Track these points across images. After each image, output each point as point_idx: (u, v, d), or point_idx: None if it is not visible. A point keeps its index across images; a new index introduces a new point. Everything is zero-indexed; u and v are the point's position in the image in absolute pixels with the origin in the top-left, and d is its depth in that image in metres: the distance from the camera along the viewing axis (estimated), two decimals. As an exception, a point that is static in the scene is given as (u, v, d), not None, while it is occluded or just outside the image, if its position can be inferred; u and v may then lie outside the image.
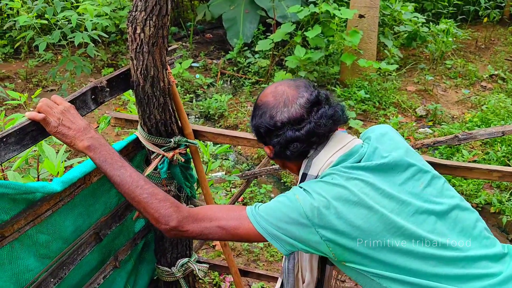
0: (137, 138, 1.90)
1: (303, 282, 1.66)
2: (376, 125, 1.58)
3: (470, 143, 4.56)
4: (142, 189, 1.41)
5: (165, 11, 1.61)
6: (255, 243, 3.34)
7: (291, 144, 1.43)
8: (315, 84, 1.51)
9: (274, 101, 1.46)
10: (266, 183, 4.15)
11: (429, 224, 1.33)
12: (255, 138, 1.57)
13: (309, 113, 1.42)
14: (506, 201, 3.66)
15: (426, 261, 1.29)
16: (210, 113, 5.07)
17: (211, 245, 3.35)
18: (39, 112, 1.39)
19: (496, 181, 1.72)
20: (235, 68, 6.12)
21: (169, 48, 1.95)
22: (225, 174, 4.14)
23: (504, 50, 6.99)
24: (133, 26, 1.61)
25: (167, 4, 1.60)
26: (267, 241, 1.39)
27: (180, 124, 1.93)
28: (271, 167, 2.72)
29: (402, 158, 1.41)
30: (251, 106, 5.35)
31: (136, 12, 1.60)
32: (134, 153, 1.93)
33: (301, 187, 1.39)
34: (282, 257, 3.22)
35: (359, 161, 1.40)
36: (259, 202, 3.69)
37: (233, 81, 5.89)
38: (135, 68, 1.69)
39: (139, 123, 1.86)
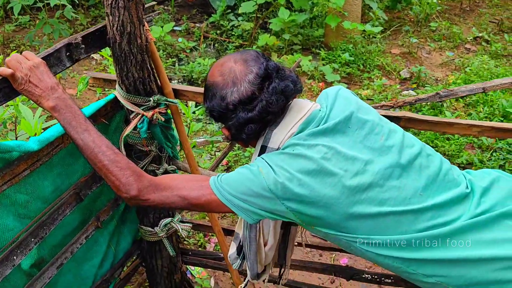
0: (116, 98, 1.87)
1: (265, 246, 1.65)
2: (329, 88, 1.55)
3: (453, 104, 4.59)
4: (104, 155, 1.37)
5: (140, -37, 1.55)
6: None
7: (245, 127, 1.39)
8: (264, 54, 1.46)
9: (222, 81, 1.39)
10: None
11: (394, 179, 1.33)
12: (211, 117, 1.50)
13: (261, 90, 1.37)
14: (487, 160, 3.72)
15: (395, 219, 1.30)
16: (193, 77, 5.01)
17: (195, 207, 3.36)
18: (8, 68, 1.34)
19: (476, 136, 1.73)
20: (218, 32, 6.02)
21: (147, 5, 1.90)
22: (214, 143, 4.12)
23: (488, 12, 6.96)
24: (108, -21, 1.56)
25: (142, -44, 1.55)
26: (232, 211, 1.38)
27: (159, 83, 1.90)
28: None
29: (357, 115, 1.41)
30: (234, 70, 5.29)
31: (110, -35, 1.54)
32: (113, 113, 1.90)
33: (263, 159, 1.37)
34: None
35: (319, 126, 1.38)
36: (242, 164, 3.71)
37: (216, 45, 5.81)
38: (111, 24, 1.64)
39: (117, 82, 1.82)
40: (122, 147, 1.85)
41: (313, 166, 1.30)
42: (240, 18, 6.04)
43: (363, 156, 1.34)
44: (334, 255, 2.99)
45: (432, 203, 1.32)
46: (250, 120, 1.37)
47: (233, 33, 5.89)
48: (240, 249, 1.72)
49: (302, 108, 1.43)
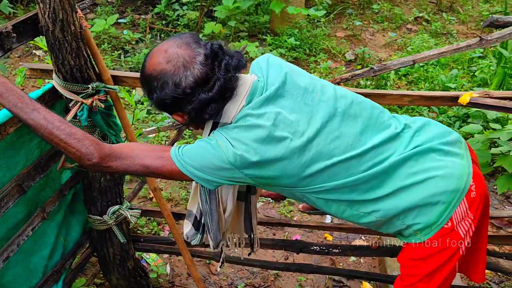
0: (54, 87, 1.85)
1: (224, 213, 1.72)
2: (258, 57, 1.61)
3: (396, 83, 4.75)
4: (59, 130, 1.37)
5: (67, -51, 1.55)
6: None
7: (207, 107, 1.40)
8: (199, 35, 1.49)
9: (172, 67, 1.38)
10: (201, 134, 4.16)
11: (335, 129, 1.47)
12: (158, 108, 1.51)
13: (213, 70, 1.39)
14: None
15: (343, 166, 1.45)
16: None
17: (148, 197, 3.37)
18: None
19: (407, 105, 1.84)
20: (164, 22, 5.97)
21: (79, -8, 1.89)
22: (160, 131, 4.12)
23: (427, -7, 7.20)
24: (35, -34, 1.55)
25: None
26: (192, 180, 1.45)
27: (97, 70, 1.89)
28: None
29: (291, 78, 1.50)
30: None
31: (36, -49, 1.53)
32: (51, 102, 1.89)
33: (221, 133, 1.42)
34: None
35: (262, 94, 1.46)
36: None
37: (162, 35, 5.76)
38: (43, 12, 1.63)
39: (53, 71, 1.81)
40: (64, 136, 1.84)
41: (265, 133, 1.39)
42: (185, 8, 6.01)
43: (305, 114, 1.46)
44: (287, 233, 3.07)
45: (370, 145, 1.48)
46: (211, 100, 1.39)
47: (179, 22, 5.86)
48: (197, 225, 1.77)
49: (245, 81, 1.48)
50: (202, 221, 1.75)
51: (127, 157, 1.44)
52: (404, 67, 2.19)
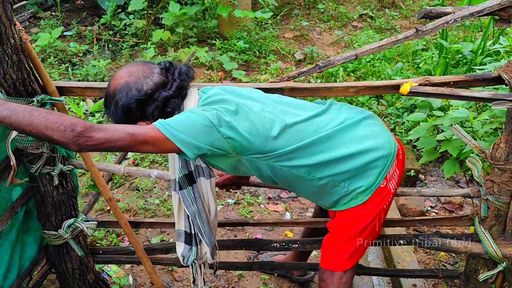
0: (-3, 102, 1.81)
1: (210, 214, 1.88)
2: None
3: (345, 79, 4.86)
4: (37, 117, 1.42)
5: (0, -39, 1.52)
6: (151, 200, 3.37)
7: (169, 102, 1.66)
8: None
9: (134, 78, 1.65)
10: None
11: (275, 106, 1.78)
12: (123, 121, 1.67)
13: (168, 77, 1.69)
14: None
15: (295, 128, 1.73)
16: (89, 80, 4.88)
17: (106, 209, 3.32)
18: None
19: (353, 96, 1.91)
20: (111, 32, 5.89)
21: (17, 5, 1.86)
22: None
23: (370, -9, 7.41)
24: (-33, -20, 1.52)
25: (1, -47, 1.52)
26: (176, 147, 1.54)
27: (42, 83, 1.87)
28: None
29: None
30: (132, 69, 5.23)
31: (-32, -36, 1.50)
32: (-4, 118, 1.84)
33: (195, 109, 1.64)
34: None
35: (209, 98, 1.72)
36: (150, 162, 3.70)
37: (110, 46, 5.68)
38: (-22, 26, 1.60)
39: (-5, 86, 1.77)
40: (10, 153, 1.80)
41: (232, 107, 1.65)
42: (131, 17, 5.96)
43: (258, 102, 1.77)
44: (248, 233, 3.09)
45: (306, 116, 1.78)
46: (171, 96, 1.66)
47: (126, 32, 5.80)
48: (189, 239, 1.91)
49: (193, 92, 1.77)
50: (193, 231, 1.90)
51: (110, 128, 1.49)
52: (347, 61, 2.25)
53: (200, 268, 2.05)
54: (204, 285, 2.12)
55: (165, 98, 1.64)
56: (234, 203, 3.36)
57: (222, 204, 3.35)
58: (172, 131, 1.53)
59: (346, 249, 1.87)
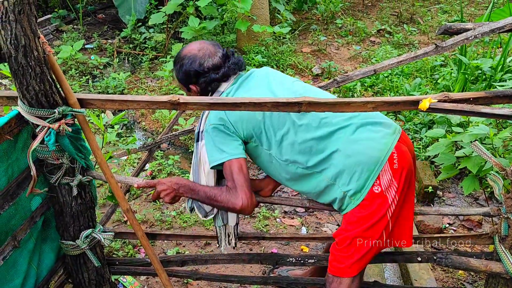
0: (20, 113, 1.85)
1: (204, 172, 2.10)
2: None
3: (363, 94, 4.85)
4: (207, 198, 1.96)
5: (26, -24, 1.56)
6: (167, 212, 3.38)
7: (213, 82, 2.04)
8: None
9: (201, 54, 2.04)
10: (174, 154, 4.17)
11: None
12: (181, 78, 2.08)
13: (225, 63, 2.05)
14: (397, 142, 3.96)
15: (299, 129, 1.94)
16: (109, 92, 4.96)
17: (123, 220, 3.34)
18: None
19: (371, 111, 1.89)
20: (131, 46, 5.99)
21: (42, 18, 1.91)
22: (131, 153, 4.10)
23: (389, 6, 7.41)
24: (-5, -6, 1.55)
25: (28, -32, 1.56)
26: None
27: (63, 94, 1.90)
28: (171, 134, 2.75)
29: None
30: (151, 81, 5.30)
31: (-4, -21, 1.54)
32: (18, 129, 1.88)
33: (207, 130, 1.97)
34: (196, 221, 3.29)
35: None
36: (167, 174, 3.72)
37: (130, 59, 5.77)
38: (4, 39, 1.63)
39: (18, 97, 1.81)
40: (31, 163, 1.83)
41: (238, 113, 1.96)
42: (151, 30, 6.04)
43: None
44: (263, 247, 3.08)
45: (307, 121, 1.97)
46: (216, 79, 2.04)
47: (146, 45, 5.88)
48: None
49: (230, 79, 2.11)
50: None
51: (237, 190, 1.92)
52: (366, 76, 2.25)
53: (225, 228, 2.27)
54: (235, 244, 2.31)
55: (212, 79, 2.03)
56: (250, 216, 3.36)
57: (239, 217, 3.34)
58: (221, 157, 1.91)
59: (350, 253, 1.96)
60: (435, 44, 1.94)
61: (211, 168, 1.98)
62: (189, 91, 2.11)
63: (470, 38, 1.86)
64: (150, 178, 3.76)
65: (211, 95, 2.07)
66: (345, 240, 1.95)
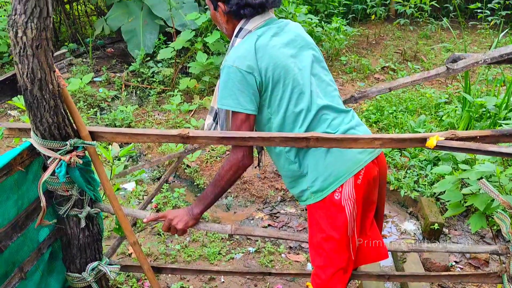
0: (32, 145, 1.88)
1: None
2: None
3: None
4: (214, 188, 1.95)
5: (46, 13, 1.61)
6: (171, 246, 3.37)
7: (246, 7, 1.89)
8: None
9: None
10: (179, 187, 4.17)
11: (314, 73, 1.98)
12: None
13: None
14: (403, 178, 3.97)
15: (302, 92, 1.92)
16: (117, 125, 5.01)
17: (127, 253, 3.32)
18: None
19: (378, 148, 1.92)
20: (139, 79, 6.08)
21: (57, 53, 1.95)
22: (139, 184, 4.12)
23: (392, 44, 7.53)
24: (14, 29, 1.60)
25: (47, 6, 1.61)
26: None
27: (75, 127, 1.93)
28: (167, 156, 2.76)
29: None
30: (158, 114, 5.35)
31: (16, 16, 1.59)
32: (29, 160, 1.90)
33: (228, 67, 1.85)
34: (200, 255, 3.27)
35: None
36: (173, 207, 3.72)
37: (138, 92, 5.85)
38: (21, 72, 1.68)
39: (31, 129, 1.84)
40: (41, 194, 1.84)
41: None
42: (160, 65, 6.15)
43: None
44: (268, 283, 3.05)
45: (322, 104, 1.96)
46: (252, 5, 1.89)
47: (154, 79, 5.97)
48: (215, 116, 2.09)
49: (270, 13, 2.00)
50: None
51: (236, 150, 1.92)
52: (381, 94, 2.30)
53: None
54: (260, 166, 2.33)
55: (247, 3, 1.88)
56: (255, 251, 3.34)
57: (243, 252, 3.33)
58: (238, 107, 1.85)
59: (323, 263, 2.02)
60: (447, 66, 1.98)
61: (219, 107, 1.92)
62: (215, 9, 1.97)
63: (480, 62, 1.89)
64: (155, 211, 3.76)
65: (238, 31, 1.95)
66: (314, 249, 2.02)
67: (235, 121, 1.87)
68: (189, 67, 5.65)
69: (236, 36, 1.94)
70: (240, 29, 1.93)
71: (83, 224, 2.04)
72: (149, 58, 6.31)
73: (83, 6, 8.35)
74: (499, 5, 7.01)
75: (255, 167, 2.44)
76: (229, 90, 1.83)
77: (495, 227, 3.16)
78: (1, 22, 5.89)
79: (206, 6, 5.98)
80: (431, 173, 3.85)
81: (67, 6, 7.93)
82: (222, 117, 1.97)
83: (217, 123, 2.07)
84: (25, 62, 1.65)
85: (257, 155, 2.34)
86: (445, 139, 1.85)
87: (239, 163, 1.90)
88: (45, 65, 1.68)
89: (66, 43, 7.24)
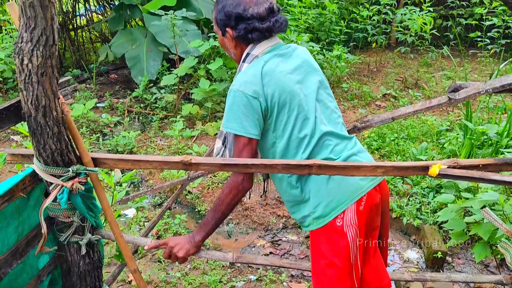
0: (34, 171, 1.88)
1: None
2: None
3: (369, 157, 4.87)
4: (215, 213, 1.95)
5: (52, 41, 1.63)
6: (172, 273, 3.33)
7: (254, 32, 1.92)
8: None
9: (248, 0, 1.94)
10: (180, 213, 4.15)
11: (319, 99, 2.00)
12: (219, 18, 1.98)
13: (269, 16, 1.94)
14: (405, 205, 3.95)
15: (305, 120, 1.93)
16: (119, 150, 5.02)
17: (127, 281, 3.29)
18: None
19: (381, 176, 1.92)
20: (142, 105, 6.12)
21: (62, 80, 1.97)
22: (140, 210, 4.10)
23: (393, 72, 7.59)
24: (20, 57, 1.62)
25: (53, 34, 1.63)
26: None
27: (78, 153, 1.93)
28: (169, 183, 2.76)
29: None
30: (161, 140, 5.37)
31: (22, 43, 1.61)
32: (31, 186, 1.90)
33: (235, 91, 1.87)
34: (201, 283, 3.23)
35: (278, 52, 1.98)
36: (174, 234, 3.70)
37: (141, 118, 5.88)
38: (26, 99, 1.69)
39: (34, 155, 1.84)
40: (43, 221, 1.84)
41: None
42: (162, 91, 6.19)
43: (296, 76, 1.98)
44: (269, 312, 3.01)
45: (326, 130, 1.97)
46: (258, 29, 1.92)
47: (157, 105, 6.01)
48: (224, 141, 2.10)
49: (276, 38, 2.02)
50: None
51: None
52: (384, 123, 2.30)
53: None
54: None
55: (254, 28, 1.91)
56: (256, 279, 3.30)
57: (244, 280, 3.29)
58: (242, 130, 1.86)
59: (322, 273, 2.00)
60: (448, 96, 1.99)
61: (223, 130, 1.95)
62: (223, 35, 2.00)
63: (482, 92, 1.90)
64: (156, 237, 3.73)
65: (245, 56, 1.98)
66: (317, 276, 1.99)
67: (237, 144, 1.89)
68: (192, 93, 5.69)
69: (244, 61, 1.98)
70: (247, 54, 1.96)
71: (83, 251, 2.03)
72: (152, 84, 6.36)
73: (88, 33, 8.47)
74: (498, 34, 7.09)
75: (260, 196, 2.43)
76: (234, 113, 1.85)
77: (499, 256, 3.13)
78: (7, 49, 5.96)
79: (209, 34, 6.07)
80: (433, 200, 3.83)
81: (72, 33, 8.05)
82: (230, 140, 2.01)
83: (225, 147, 2.08)
84: (30, 89, 1.66)
85: (263, 183, 2.34)
86: (447, 167, 1.85)
87: (239, 186, 1.90)
88: (50, 92, 1.70)
89: (70, 69, 7.31)
